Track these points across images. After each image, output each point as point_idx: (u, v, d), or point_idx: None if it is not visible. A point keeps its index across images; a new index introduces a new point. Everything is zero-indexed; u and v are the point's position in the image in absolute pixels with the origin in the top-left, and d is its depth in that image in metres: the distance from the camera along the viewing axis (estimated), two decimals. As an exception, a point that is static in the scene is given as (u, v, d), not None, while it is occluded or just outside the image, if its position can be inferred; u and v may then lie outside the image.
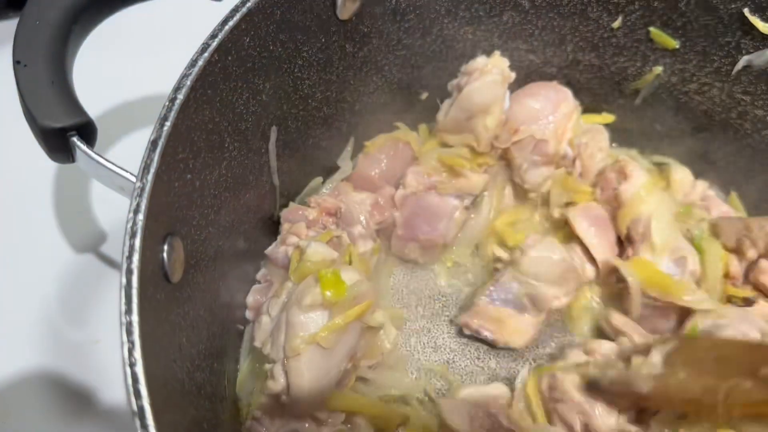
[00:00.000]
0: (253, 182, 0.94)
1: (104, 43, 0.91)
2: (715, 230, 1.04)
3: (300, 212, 1.03)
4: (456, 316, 1.06)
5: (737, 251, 1.02)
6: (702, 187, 1.18)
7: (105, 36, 0.88)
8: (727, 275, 1.02)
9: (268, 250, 1.00)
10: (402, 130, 1.15)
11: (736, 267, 1.02)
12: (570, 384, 0.87)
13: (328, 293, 0.83)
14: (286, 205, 1.05)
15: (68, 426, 1.01)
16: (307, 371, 0.81)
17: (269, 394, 0.83)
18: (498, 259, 1.07)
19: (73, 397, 1.04)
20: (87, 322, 1.09)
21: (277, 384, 0.81)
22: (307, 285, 0.86)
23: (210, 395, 0.81)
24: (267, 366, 0.85)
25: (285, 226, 1.02)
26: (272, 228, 1.04)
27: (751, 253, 1.00)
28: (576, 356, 0.92)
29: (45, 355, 1.06)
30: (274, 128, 0.95)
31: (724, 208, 1.17)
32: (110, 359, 1.05)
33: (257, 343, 0.88)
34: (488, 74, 1.03)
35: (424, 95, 1.16)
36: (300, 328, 0.82)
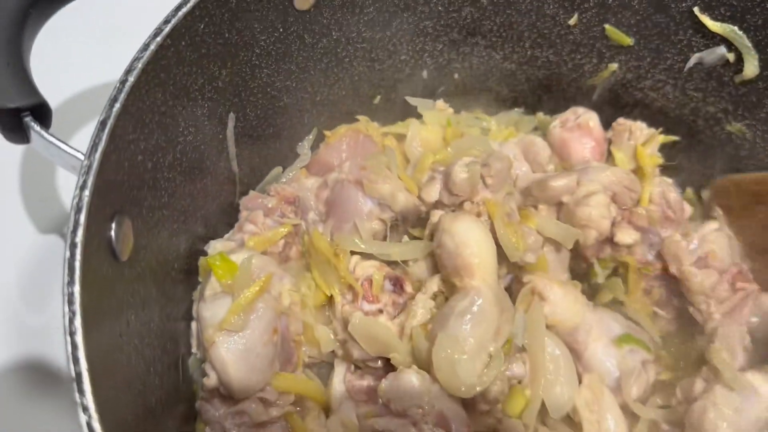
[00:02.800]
0: (210, 168, 0.96)
1: (67, 28, 0.93)
2: None
3: (259, 200, 1.05)
4: None
5: None
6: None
7: (67, 21, 0.90)
8: None
9: (225, 237, 1.02)
10: (363, 122, 1.17)
11: None
12: None
13: (221, 278, 0.87)
14: (246, 193, 1.07)
15: (33, 408, 1.02)
16: (227, 357, 0.83)
17: (208, 390, 0.85)
18: None
19: (38, 377, 1.06)
20: (50, 303, 1.11)
21: (211, 379, 0.84)
22: (205, 279, 0.90)
23: (160, 373, 0.83)
24: (203, 365, 0.88)
25: (243, 214, 1.04)
26: (233, 215, 1.06)
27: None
28: None
29: (9, 337, 1.08)
30: (231, 115, 0.97)
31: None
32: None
33: (193, 350, 0.91)
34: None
35: (377, 98, 1.20)
36: (209, 319, 0.85)
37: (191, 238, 0.96)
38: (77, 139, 1.18)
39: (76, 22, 0.92)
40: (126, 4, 1.11)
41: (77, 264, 0.62)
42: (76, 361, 0.59)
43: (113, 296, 0.72)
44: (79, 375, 0.58)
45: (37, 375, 1.06)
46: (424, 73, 1.20)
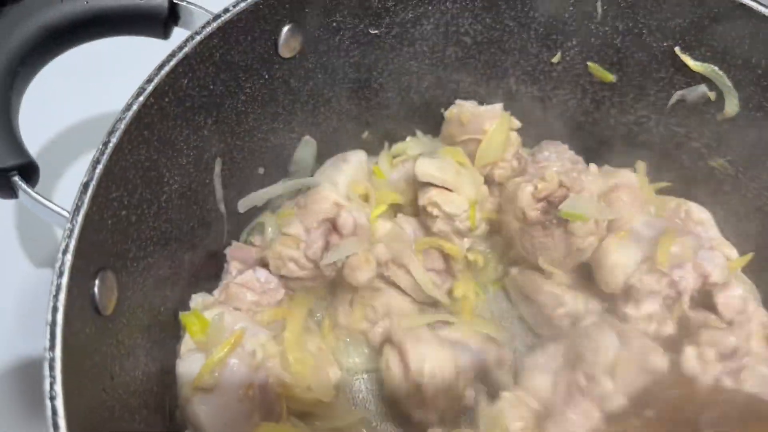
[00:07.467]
0: (197, 212, 0.98)
1: (55, 76, 0.95)
2: None
3: (244, 251, 1.08)
4: None
5: None
6: None
7: (57, 69, 0.92)
8: None
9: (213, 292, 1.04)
10: None
11: None
12: None
13: (194, 335, 0.90)
14: (235, 235, 1.10)
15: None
16: (201, 415, 0.86)
17: None
18: None
19: (32, 411, 1.07)
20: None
21: None
22: (183, 334, 0.93)
23: (146, 418, 0.85)
24: None
25: (229, 266, 1.07)
26: (220, 262, 1.08)
27: None
28: None
29: (2, 371, 1.10)
30: (218, 160, 0.99)
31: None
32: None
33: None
34: None
35: (365, 134, 1.22)
36: (185, 376, 0.88)
37: (179, 286, 0.98)
38: (61, 188, 1.22)
39: (63, 68, 0.94)
40: (114, 52, 1.12)
41: (58, 329, 0.64)
42: (56, 427, 0.61)
43: (97, 353, 0.74)
44: (59, 440, 0.61)
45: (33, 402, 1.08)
46: (411, 109, 1.22)
